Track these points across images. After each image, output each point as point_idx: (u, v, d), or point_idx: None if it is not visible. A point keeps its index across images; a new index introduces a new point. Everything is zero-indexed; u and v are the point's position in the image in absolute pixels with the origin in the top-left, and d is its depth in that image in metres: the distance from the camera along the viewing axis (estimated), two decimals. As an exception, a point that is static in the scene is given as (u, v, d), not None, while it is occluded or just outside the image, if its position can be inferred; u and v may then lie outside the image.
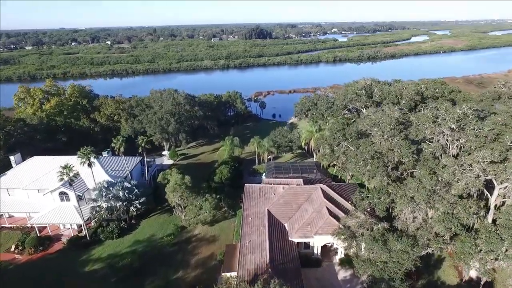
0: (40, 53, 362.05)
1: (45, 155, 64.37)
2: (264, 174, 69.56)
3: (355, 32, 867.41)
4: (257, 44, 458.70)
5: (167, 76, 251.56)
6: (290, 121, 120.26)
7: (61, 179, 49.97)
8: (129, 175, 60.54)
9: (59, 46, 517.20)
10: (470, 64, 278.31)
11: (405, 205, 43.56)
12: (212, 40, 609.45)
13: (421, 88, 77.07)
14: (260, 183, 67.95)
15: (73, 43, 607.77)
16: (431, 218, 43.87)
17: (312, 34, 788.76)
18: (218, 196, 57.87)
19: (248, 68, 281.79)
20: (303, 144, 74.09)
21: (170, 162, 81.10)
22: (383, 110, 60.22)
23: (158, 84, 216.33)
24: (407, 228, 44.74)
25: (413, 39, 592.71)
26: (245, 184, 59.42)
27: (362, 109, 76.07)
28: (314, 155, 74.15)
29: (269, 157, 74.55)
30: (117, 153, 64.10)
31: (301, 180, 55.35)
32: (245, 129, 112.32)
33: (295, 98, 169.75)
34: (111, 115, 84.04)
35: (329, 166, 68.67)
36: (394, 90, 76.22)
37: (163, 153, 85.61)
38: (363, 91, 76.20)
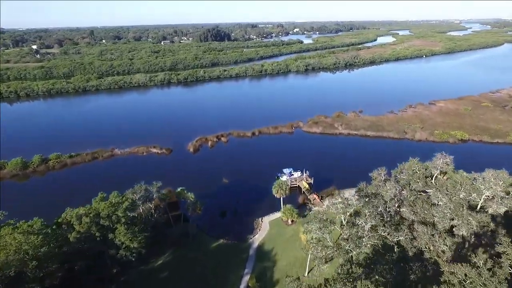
0: None
1: None
2: None
3: (317, 32, 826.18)
4: (212, 48, 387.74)
5: (76, 100, 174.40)
6: (257, 241, 55.04)
7: None
8: None
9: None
10: (466, 71, 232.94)
11: None
12: (162, 43, 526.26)
13: None
14: None
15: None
16: None
17: (274, 34, 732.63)
18: None
19: (197, 83, 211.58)
20: None
21: None
22: None
23: (33, 123, 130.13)
24: None
25: (380, 39, 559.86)
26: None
27: None
28: None
29: None
30: None
31: None
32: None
33: (261, 146, 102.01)
34: None
35: None
36: None
37: None
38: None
